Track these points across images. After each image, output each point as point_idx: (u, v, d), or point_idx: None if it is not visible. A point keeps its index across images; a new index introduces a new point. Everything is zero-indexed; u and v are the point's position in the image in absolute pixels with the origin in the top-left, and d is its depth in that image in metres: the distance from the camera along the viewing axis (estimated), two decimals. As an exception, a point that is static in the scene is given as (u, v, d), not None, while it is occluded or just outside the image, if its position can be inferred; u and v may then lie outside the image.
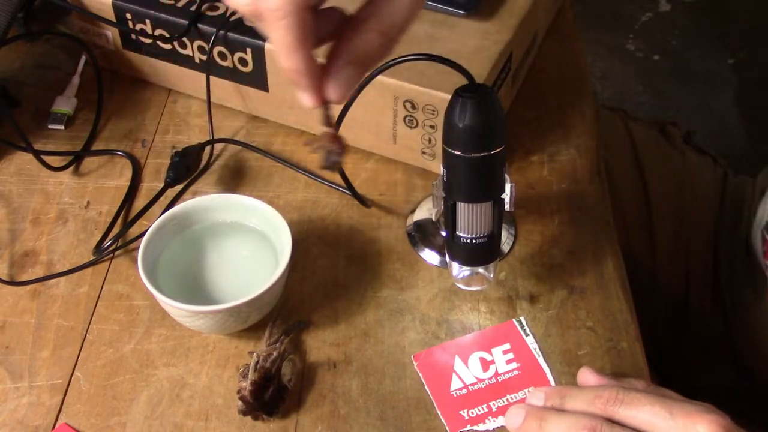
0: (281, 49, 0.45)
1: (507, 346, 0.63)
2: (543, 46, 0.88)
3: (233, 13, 0.76)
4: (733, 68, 2.15)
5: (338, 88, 0.47)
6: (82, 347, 0.63)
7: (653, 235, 0.94)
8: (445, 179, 0.59)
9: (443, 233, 0.67)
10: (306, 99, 0.48)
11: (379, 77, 0.63)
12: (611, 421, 0.52)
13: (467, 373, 0.61)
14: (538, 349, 0.62)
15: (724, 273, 0.91)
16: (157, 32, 0.78)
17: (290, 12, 0.44)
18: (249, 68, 0.76)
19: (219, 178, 0.76)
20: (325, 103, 0.48)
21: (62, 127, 0.80)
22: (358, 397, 0.60)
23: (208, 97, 0.79)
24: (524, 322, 0.64)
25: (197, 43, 0.77)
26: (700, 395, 0.92)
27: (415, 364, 0.62)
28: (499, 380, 0.61)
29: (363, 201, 0.72)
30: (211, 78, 0.78)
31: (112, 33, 0.82)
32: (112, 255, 0.70)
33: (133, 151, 0.78)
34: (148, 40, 0.80)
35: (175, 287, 0.62)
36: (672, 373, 0.93)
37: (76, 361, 0.63)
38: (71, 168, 0.77)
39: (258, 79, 0.76)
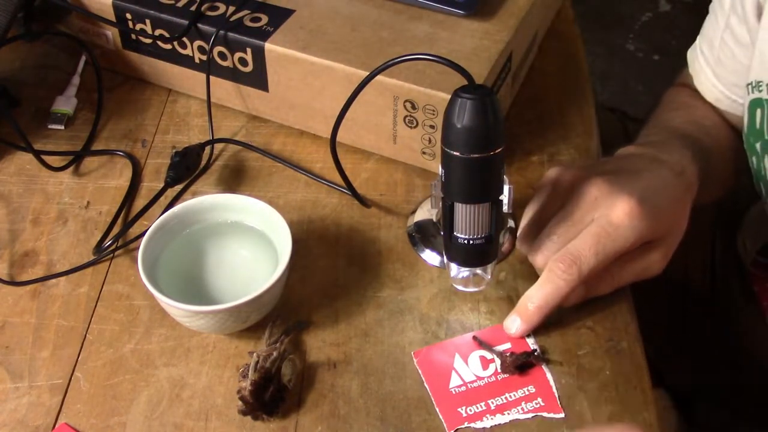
0: (548, 293, 0.60)
1: (508, 345, 0.63)
2: (543, 46, 0.88)
3: (233, 13, 0.76)
4: (733, 68, 2.15)
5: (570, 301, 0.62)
6: (82, 347, 0.63)
7: None
8: (443, 179, 0.59)
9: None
10: (519, 327, 0.62)
11: (379, 77, 0.63)
12: None
13: (467, 371, 0.61)
14: (538, 350, 0.62)
15: (719, 275, 0.91)
16: (157, 32, 0.78)
17: (573, 282, 0.59)
18: (249, 68, 0.76)
19: (219, 178, 0.76)
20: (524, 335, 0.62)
21: (62, 127, 0.81)
22: (358, 397, 0.60)
23: (208, 97, 0.79)
24: (524, 322, 0.64)
25: (197, 43, 0.77)
26: (701, 395, 0.92)
27: (415, 360, 0.62)
28: (499, 379, 0.61)
29: (363, 201, 0.72)
30: (211, 78, 0.78)
31: (112, 33, 0.82)
32: (112, 255, 0.70)
33: (133, 151, 0.78)
34: (148, 40, 0.80)
35: (175, 287, 0.62)
36: (673, 373, 0.93)
37: (76, 361, 0.63)
38: (71, 168, 0.77)
39: (258, 79, 0.76)
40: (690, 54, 0.80)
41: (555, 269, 0.59)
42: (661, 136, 0.73)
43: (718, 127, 0.77)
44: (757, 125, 0.69)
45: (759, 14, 0.68)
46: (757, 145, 0.69)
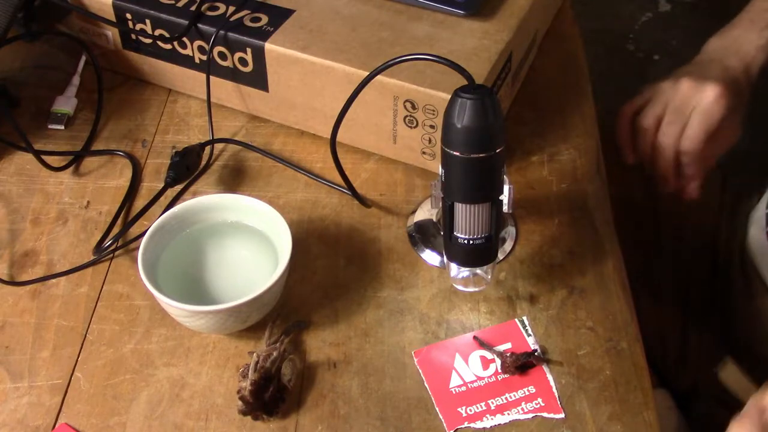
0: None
1: (508, 345, 0.63)
2: (543, 46, 0.88)
3: (233, 13, 0.76)
4: (733, 68, 2.15)
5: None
6: (82, 347, 0.63)
7: (659, 236, 0.94)
8: (443, 179, 0.59)
9: (443, 233, 0.67)
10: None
11: (379, 77, 0.63)
12: None
13: (467, 370, 0.61)
14: (539, 350, 0.62)
15: (720, 278, 0.91)
16: (157, 32, 0.78)
17: None
18: (249, 68, 0.76)
19: (219, 178, 0.76)
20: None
21: (62, 127, 0.81)
22: (358, 397, 0.60)
23: (208, 97, 0.79)
24: (526, 322, 0.64)
25: (197, 43, 0.77)
26: (704, 394, 0.92)
27: (415, 360, 0.62)
28: (499, 379, 0.61)
29: (363, 201, 0.72)
30: (211, 78, 0.78)
31: (112, 33, 0.82)
32: (112, 255, 0.70)
33: (133, 151, 0.78)
34: (148, 40, 0.80)
35: (175, 287, 0.62)
36: (677, 374, 0.93)
37: (76, 361, 0.63)
38: (71, 168, 0.77)
39: (258, 79, 0.76)
40: None
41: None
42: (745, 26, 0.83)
43: None
44: None
45: None
46: None
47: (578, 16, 0.94)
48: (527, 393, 0.60)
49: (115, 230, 0.71)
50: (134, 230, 0.71)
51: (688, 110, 0.77)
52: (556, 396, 0.60)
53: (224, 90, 0.79)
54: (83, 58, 0.85)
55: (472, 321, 0.64)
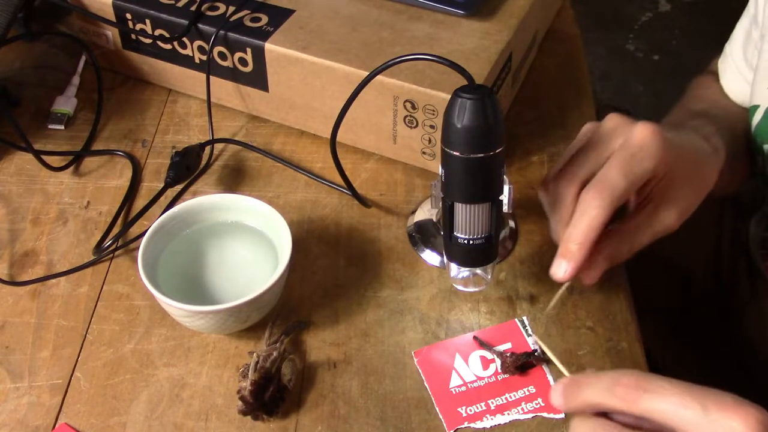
0: (586, 226, 0.56)
1: (508, 345, 0.63)
2: (543, 46, 0.88)
3: (233, 13, 0.76)
4: (733, 68, 2.15)
5: (593, 276, 0.60)
6: (82, 347, 0.63)
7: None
8: (443, 179, 0.59)
9: (443, 233, 0.67)
10: (567, 269, 0.57)
11: (379, 77, 0.63)
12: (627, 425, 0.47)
13: (467, 371, 0.61)
14: (539, 350, 0.62)
15: (726, 274, 0.91)
16: (157, 32, 0.78)
17: (607, 207, 0.56)
18: (249, 68, 0.76)
19: (219, 178, 0.76)
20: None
21: (62, 127, 0.81)
22: (358, 397, 0.60)
23: (208, 97, 0.79)
24: (526, 322, 0.64)
25: (197, 43, 0.77)
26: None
27: (415, 360, 0.62)
28: (499, 379, 0.61)
29: (363, 201, 0.72)
30: (211, 78, 0.78)
31: (112, 33, 0.82)
32: (112, 255, 0.70)
33: (133, 151, 0.78)
34: (148, 40, 0.80)
35: (175, 287, 0.62)
36: (676, 374, 0.93)
37: (76, 361, 0.63)
38: (71, 168, 0.77)
39: (258, 79, 0.76)
40: (721, 60, 0.81)
41: (586, 199, 0.57)
42: (687, 117, 0.73)
43: (743, 114, 0.76)
44: None
45: None
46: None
47: (578, 16, 0.94)
48: (527, 393, 0.60)
49: (115, 230, 0.71)
50: (134, 230, 0.71)
51: (609, 146, 0.59)
52: (556, 396, 0.60)
53: (224, 90, 0.79)
54: (83, 58, 0.85)
55: (472, 321, 0.64)
